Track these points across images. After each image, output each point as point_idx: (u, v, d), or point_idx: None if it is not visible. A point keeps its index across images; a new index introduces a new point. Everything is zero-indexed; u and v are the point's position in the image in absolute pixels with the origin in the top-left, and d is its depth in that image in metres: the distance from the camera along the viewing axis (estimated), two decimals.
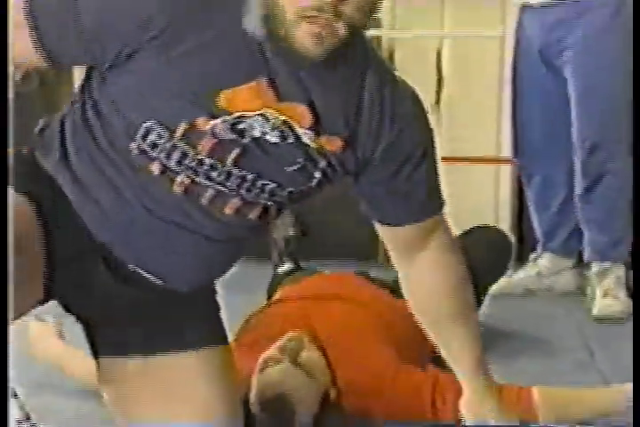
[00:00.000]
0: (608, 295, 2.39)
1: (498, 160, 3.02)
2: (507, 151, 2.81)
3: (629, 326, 2.06)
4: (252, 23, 1.08)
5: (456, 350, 1.37)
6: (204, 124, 1.11)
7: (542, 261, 2.66)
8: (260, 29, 1.08)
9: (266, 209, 1.23)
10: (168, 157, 1.12)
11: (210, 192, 1.14)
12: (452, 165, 2.96)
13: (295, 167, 1.16)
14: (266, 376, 1.59)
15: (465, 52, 3.28)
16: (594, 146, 2.41)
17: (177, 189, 1.13)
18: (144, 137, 1.11)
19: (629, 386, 1.58)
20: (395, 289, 1.99)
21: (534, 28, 2.45)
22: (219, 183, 1.14)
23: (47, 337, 1.99)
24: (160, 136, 1.11)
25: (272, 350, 1.65)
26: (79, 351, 1.76)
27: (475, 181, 3.06)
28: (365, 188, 1.23)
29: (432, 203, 1.29)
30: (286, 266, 2.52)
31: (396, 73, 1.28)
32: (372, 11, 1.10)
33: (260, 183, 1.16)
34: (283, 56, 1.08)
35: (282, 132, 1.13)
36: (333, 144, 1.15)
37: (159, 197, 1.14)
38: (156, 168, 1.12)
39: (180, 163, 1.12)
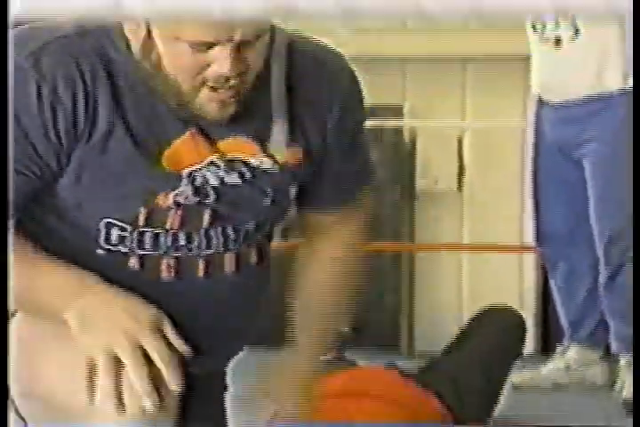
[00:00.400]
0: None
1: (522, 248, 3.12)
2: (529, 238, 2.96)
3: None
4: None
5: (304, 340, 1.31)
6: (164, 200, 1.07)
7: (570, 354, 2.72)
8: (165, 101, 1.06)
9: (260, 249, 1.22)
10: (140, 245, 1.09)
11: (201, 263, 1.12)
12: (476, 254, 3.10)
13: (269, 199, 1.14)
14: None
15: (486, 141, 3.50)
16: (614, 236, 2.54)
17: (166, 275, 1.10)
18: (107, 236, 1.09)
19: None
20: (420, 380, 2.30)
21: (553, 123, 2.67)
22: (205, 249, 1.11)
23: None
24: (123, 229, 1.08)
25: None
26: None
27: (498, 270, 3.14)
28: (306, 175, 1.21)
29: (364, 180, 1.27)
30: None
31: (328, 50, 1.24)
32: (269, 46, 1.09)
33: (243, 230, 1.14)
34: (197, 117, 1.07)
35: (238, 171, 1.11)
36: (295, 155, 1.12)
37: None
38: (134, 262, 1.09)
39: (156, 246, 1.09)
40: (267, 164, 1.11)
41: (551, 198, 2.78)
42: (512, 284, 3.26)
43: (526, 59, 3.03)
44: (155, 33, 1.01)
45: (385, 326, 4.01)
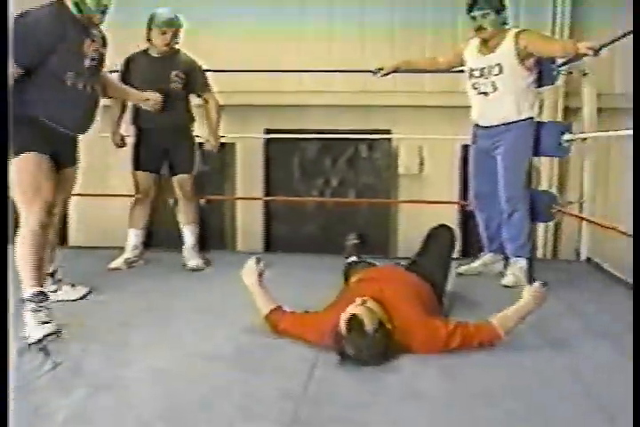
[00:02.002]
0: (512, 275, 4.05)
1: (457, 202, 5.16)
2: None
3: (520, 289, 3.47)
4: None
5: None
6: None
7: (486, 257, 4.33)
8: None
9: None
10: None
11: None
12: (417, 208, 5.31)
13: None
14: (347, 311, 2.63)
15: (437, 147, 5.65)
16: (508, 198, 4.02)
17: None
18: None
19: (534, 285, 2.77)
20: (414, 270, 3.23)
21: (481, 136, 4.12)
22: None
23: (252, 273, 3.04)
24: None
25: (354, 303, 2.67)
26: (267, 294, 3.00)
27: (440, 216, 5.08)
28: None
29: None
30: (351, 259, 3.79)
31: None
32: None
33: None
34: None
35: None
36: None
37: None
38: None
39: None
40: None
41: (479, 176, 4.15)
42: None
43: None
44: None
45: (379, 241, 6.17)
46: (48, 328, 2.86)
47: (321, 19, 6.78)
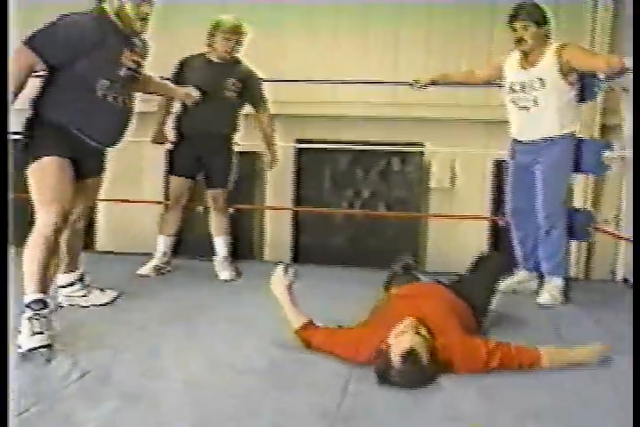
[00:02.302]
0: (548, 294, 3.95)
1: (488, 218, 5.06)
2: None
3: (558, 309, 3.63)
4: None
5: None
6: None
7: (521, 274, 4.20)
8: None
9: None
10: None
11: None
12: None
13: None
14: (402, 341, 2.51)
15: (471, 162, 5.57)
16: (547, 215, 3.91)
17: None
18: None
19: (599, 347, 2.69)
20: (453, 288, 3.18)
21: (520, 151, 4.02)
22: None
23: (281, 283, 2.98)
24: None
25: (402, 327, 2.58)
26: (297, 307, 2.93)
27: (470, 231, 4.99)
28: None
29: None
30: (400, 270, 3.63)
31: None
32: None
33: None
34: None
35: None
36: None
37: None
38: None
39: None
40: None
41: (517, 192, 4.03)
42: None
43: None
44: None
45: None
46: (39, 340, 2.76)
47: (355, 30, 6.74)
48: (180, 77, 4.31)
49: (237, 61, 4.36)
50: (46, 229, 2.89)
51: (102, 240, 7.10)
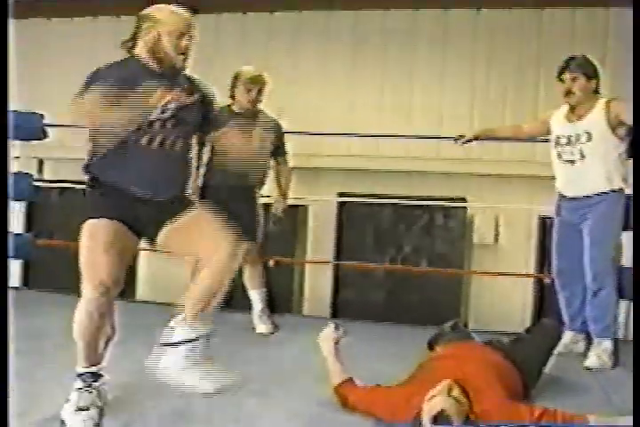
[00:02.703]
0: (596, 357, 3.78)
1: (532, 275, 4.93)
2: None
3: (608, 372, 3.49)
4: None
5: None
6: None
7: (568, 335, 4.02)
8: None
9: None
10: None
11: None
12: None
13: None
14: (433, 405, 2.47)
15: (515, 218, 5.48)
16: (595, 275, 3.75)
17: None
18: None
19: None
20: (501, 350, 3.10)
21: (566, 208, 3.91)
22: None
23: (330, 338, 3.00)
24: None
25: (436, 390, 2.52)
26: (340, 364, 2.89)
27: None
28: None
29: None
30: (449, 328, 3.51)
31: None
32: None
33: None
34: None
35: None
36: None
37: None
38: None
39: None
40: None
41: (562, 251, 3.92)
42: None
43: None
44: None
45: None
46: (81, 417, 2.66)
47: (398, 84, 6.75)
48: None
49: (260, 112, 4.34)
50: (89, 305, 2.65)
51: (141, 289, 7.07)
